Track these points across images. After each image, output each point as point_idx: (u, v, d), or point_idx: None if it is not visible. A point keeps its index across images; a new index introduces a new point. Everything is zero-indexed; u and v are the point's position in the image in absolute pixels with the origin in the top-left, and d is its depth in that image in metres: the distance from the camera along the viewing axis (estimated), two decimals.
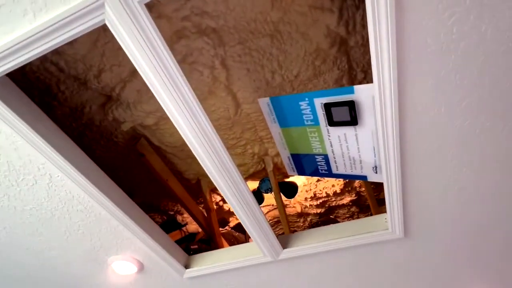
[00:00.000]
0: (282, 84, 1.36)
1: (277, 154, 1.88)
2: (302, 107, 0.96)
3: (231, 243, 2.79)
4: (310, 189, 2.34)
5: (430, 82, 0.76)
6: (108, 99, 1.34)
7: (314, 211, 3.01)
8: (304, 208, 3.06)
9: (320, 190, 2.39)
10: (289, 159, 1.19)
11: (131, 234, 1.24)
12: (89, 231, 1.23)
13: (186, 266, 1.47)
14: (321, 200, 2.56)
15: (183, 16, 1.04)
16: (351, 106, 0.84)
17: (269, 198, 2.51)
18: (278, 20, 1.10)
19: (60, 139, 0.94)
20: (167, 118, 1.42)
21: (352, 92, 0.83)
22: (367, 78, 1.38)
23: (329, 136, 0.99)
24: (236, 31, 1.11)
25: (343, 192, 2.59)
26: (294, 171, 1.24)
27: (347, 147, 0.99)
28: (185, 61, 1.17)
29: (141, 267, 1.42)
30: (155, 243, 1.27)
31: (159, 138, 1.60)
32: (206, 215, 2.09)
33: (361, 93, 0.81)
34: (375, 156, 0.97)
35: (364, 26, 1.10)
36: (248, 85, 1.34)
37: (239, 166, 1.97)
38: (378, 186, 2.10)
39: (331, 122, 0.92)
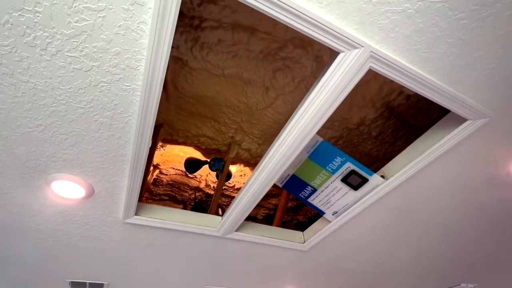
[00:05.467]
0: None
1: (246, 149, 2.11)
2: (335, 159, 1.34)
3: None
4: (238, 181, 2.68)
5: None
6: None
7: (210, 192, 3.35)
8: (208, 186, 3.34)
9: (240, 184, 2.78)
10: (288, 176, 1.52)
11: (128, 159, 1.11)
12: (82, 140, 1.00)
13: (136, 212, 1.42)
14: (234, 193, 2.95)
15: None
16: (364, 181, 1.33)
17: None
18: None
19: None
20: (213, 74, 1.37)
21: (371, 174, 1.31)
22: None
23: (331, 182, 1.42)
24: None
25: None
26: (281, 183, 1.57)
27: (333, 194, 1.47)
28: (285, 59, 1.24)
29: (89, 195, 1.24)
30: (134, 178, 1.17)
31: (178, 79, 1.44)
32: None
33: (373, 179, 1.31)
34: (342, 208, 1.50)
35: (380, 133, 1.66)
36: (295, 104, 1.56)
37: (208, 137, 2.03)
38: (297, 212, 2.78)
39: (344, 179, 1.36)
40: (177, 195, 3.71)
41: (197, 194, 3.60)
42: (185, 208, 3.74)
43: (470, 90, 0.91)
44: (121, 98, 0.86)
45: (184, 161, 2.44)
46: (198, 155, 2.46)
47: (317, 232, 1.68)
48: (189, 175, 3.33)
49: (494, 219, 1.68)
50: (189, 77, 1.42)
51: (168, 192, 3.62)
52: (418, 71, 0.84)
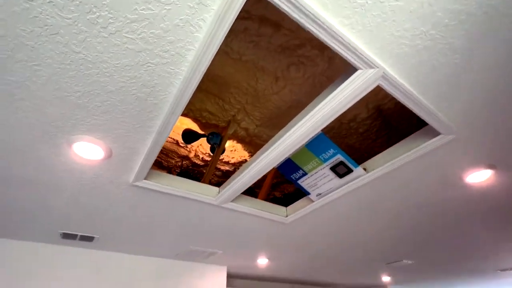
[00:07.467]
0: None
1: (244, 128, 2.25)
2: (328, 150, 1.55)
3: None
4: (228, 155, 2.83)
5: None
6: None
7: (198, 162, 3.50)
8: (197, 157, 3.46)
9: (229, 158, 2.95)
10: (285, 159, 1.71)
11: (153, 131, 1.22)
12: (115, 109, 1.08)
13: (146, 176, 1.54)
14: (222, 166, 3.11)
15: None
16: (349, 171, 1.57)
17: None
18: None
19: None
20: (231, 58, 1.45)
21: (356, 167, 1.55)
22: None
23: (321, 169, 1.65)
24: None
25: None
26: (277, 165, 1.76)
27: (320, 179, 1.71)
28: (301, 56, 1.36)
29: (107, 157, 1.33)
30: (154, 147, 1.28)
31: None
32: None
33: (357, 170, 1.56)
34: (326, 191, 1.75)
35: (371, 129, 1.89)
36: (303, 95, 1.70)
37: (210, 113, 2.13)
38: (275, 189, 3.02)
39: (332, 168, 1.59)
40: (163, 161, 3.80)
41: (184, 162, 3.71)
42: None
43: (449, 112, 1.14)
44: (162, 79, 0.95)
45: (181, 131, 2.52)
46: (194, 126, 2.55)
47: (300, 209, 1.95)
48: (180, 144, 3.41)
49: (434, 211, 2.07)
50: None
51: None
52: (413, 91, 1.03)
